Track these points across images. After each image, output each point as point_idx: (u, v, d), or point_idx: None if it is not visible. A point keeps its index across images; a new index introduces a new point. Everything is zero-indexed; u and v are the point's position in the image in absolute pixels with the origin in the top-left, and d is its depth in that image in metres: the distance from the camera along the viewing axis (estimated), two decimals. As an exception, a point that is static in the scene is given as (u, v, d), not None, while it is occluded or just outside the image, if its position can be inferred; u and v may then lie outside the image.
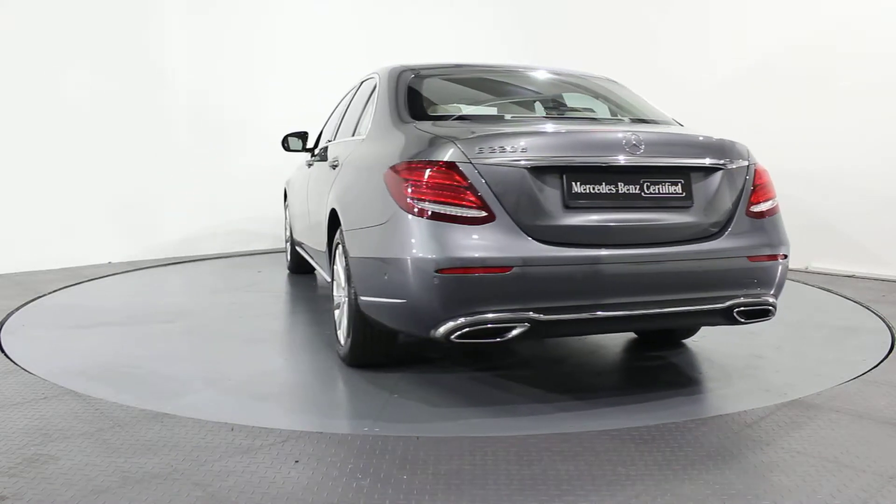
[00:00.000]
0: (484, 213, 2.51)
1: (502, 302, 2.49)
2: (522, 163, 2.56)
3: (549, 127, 2.93)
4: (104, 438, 2.40)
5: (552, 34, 8.25)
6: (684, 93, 6.74)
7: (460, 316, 2.48)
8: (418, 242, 2.51)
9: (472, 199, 2.51)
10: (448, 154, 2.57)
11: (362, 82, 4.16)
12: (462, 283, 2.46)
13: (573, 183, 2.61)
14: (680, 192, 2.74)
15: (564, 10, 8.20)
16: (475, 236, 2.48)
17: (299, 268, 5.85)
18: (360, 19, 8.18)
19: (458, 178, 2.53)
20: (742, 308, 2.77)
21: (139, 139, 6.71)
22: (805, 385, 2.99)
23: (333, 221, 3.45)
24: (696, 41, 7.02)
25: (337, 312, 3.40)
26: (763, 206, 2.90)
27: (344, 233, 3.13)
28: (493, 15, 8.85)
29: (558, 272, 2.52)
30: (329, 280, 3.72)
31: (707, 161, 2.80)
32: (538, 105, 3.72)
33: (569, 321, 2.58)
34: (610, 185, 2.65)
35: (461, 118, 3.16)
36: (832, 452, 2.30)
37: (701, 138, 2.90)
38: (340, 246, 3.24)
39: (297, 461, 2.22)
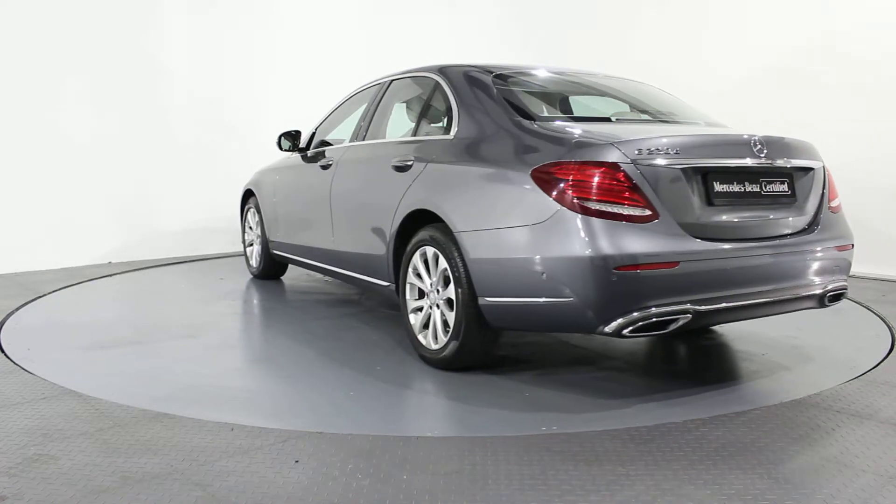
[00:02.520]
0: (649, 212, 2.65)
1: (668, 295, 2.65)
2: (676, 164, 2.74)
3: (689, 130, 3.21)
4: (104, 438, 2.40)
5: (553, 34, 8.25)
6: (684, 93, 6.73)
7: (633, 311, 2.61)
8: (593, 241, 2.59)
9: (638, 198, 2.65)
10: (613, 155, 2.68)
11: (392, 81, 4.09)
12: (638, 279, 2.60)
13: (714, 183, 2.83)
14: (787, 190, 3.05)
15: (565, 11, 8.20)
16: (646, 234, 2.63)
17: (269, 273, 5.59)
18: (361, 20, 8.17)
19: (623, 178, 2.66)
20: (832, 292, 3.08)
21: (139, 139, 6.70)
22: (807, 386, 3.00)
23: (406, 224, 3.39)
24: (697, 41, 7.01)
25: (413, 317, 3.35)
26: (836, 203, 3.28)
27: (459, 234, 3.02)
28: (493, 15, 8.84)
29: (716, 265, 2.75)
30: (387, 284, 3.64)
31: (804, 162, 3.11)
32: (629, 108, 3.74)
33: (721, 310, 2.77)
34: (739, 184, 2.91)
35: (576, 119, 3.42)
36: (832, 452, 2.30)
37: (798, 142, 3.15)
38: (430, 248, 3.20)
39: (297, 461, 2.22)
